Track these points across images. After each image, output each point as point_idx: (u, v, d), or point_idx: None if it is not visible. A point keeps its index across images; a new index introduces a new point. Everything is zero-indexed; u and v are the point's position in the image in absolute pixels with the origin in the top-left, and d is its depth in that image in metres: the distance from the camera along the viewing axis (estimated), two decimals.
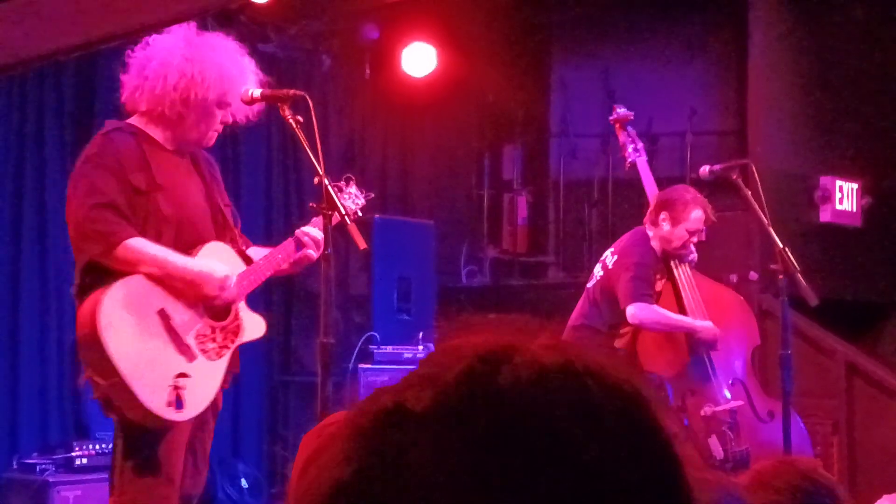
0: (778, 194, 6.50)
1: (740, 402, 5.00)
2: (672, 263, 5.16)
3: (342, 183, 3.87)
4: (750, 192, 4.92)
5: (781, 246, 4.70)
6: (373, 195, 4.13)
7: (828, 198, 7.25)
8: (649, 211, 5.28)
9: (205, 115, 3.65)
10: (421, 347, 6.23)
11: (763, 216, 4.82)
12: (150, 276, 3.46)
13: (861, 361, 6.64)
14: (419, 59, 7.94)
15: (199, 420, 3.60)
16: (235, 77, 3.66)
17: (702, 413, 4.88)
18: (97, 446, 5.10)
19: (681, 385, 5.01)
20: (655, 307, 5.06)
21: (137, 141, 3.58)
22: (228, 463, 7.17)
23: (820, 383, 6.46)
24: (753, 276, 6.76)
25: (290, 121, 3.53)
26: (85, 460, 5.01)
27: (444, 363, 0.77)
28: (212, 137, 3.76)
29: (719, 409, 4.92)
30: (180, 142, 3.69)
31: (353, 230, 3.39)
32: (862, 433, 6.49)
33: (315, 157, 3.45)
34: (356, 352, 6.85)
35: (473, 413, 0.72)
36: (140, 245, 3.44)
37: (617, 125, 5.59)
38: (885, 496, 2.61)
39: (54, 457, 5.02)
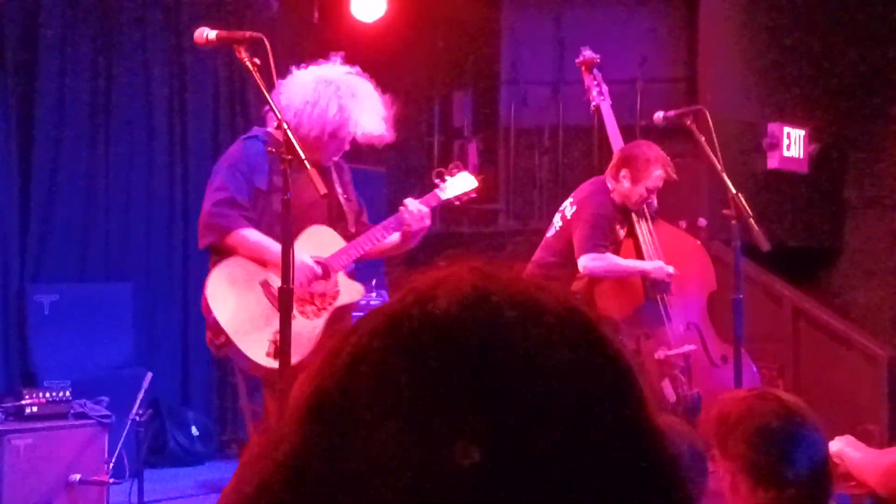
0: (727, 141, 6.53)
1: (693, 347, 5.06)
2: (633, 216, 5.19)
3: (454, 167, 4.60)
4: (704, 139, 4.93)
5: (734, 192, 4.73)
6: (482, 176, 4.83)
7: (776, 145, 7.30)
8: (611, 165, 5.29)
9: (334, 147, 4.31)
10: (374, 294, 6.21)
11: (717, 162, 4.85)
12: (250, 259, 4.16)
13: (807, 306, 6.74)
14: (369, 4, 7.84)
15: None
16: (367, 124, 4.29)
17: (655, 356, 4.94)
18: (47, 394, 5.04)
19: (635, 328, 5.06)
20: (606, 255, 5.10)
21: (268, 147, 4.10)
22: (178, 411, 7.14)
23: (768, 328, 6.56)
24: (702, 222, 6.81)
25: (248, 63, 3.49)
26: (35, 408, 4.94)
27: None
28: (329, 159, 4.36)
29: (672, 352, 4.98)
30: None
31: (314, 174, 3.39)
32: (808, 376, 6.61)
33: (274, 101, 3.41)
34: None
35: (413, 329, 0.74)
36: (244, 236, 4.13)
37: (583, 67, 5.59)
38: (836, 437, 2.64)
39: (3, 405, 4.94)
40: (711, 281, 5.38)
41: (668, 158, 5.22)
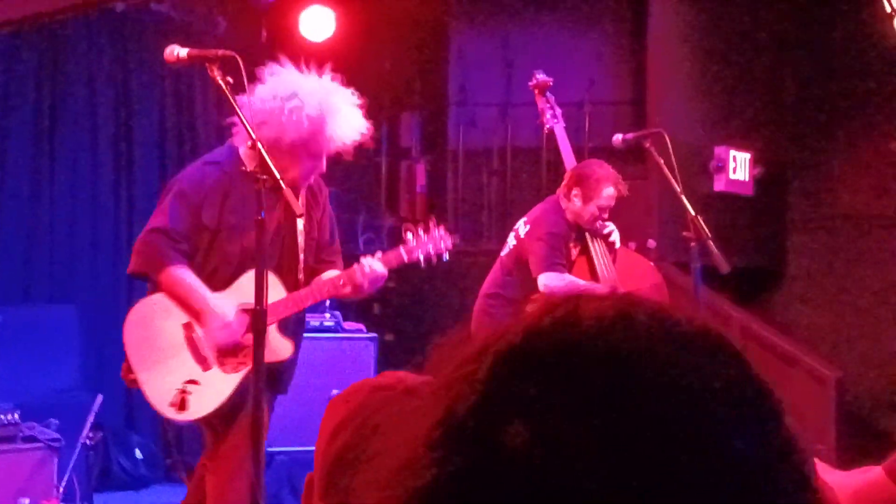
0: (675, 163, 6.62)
1: None
2: (587, 236, 5.21)
3: (430, 224, 4.23)
4: (662, 161, 4.98)
5: (694, 213, 4.78)
6: (458, 237, 4.46)
7: (722, 167, 7.41)
8: (563, 184, 5.32)
9: (310, 165, 3.99)
10: (327, 315, 6.16)
11: (676, 184, 4.90)
12: (174, 301, 3.92)
13: (755, 327, 6.83)
14: (317, 23, 7.81)
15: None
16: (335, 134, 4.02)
17: None
18: None
19: None
20: (566, 275, 5.11)
21: (226, 178, 3.91)
22: (122, 434, 7.01)
23: None
24: (651, 243, 6.87)
25: (220, 82, 3.44)
26: None
27: (514, 323, 0.78)
28: (306, 179, 4.05)
29: None
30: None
31: (289, 195, 3.35)
32: None
33: (245, 121, 3.37)
34: None
35: (557, 340, 0.71)
36: (175, 276, 3.87)
37: (536, 90, 5.61)
38: None
39: None
40: (666, 302, 5.42)
41: (619, 176, 5.27)
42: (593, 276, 5.20)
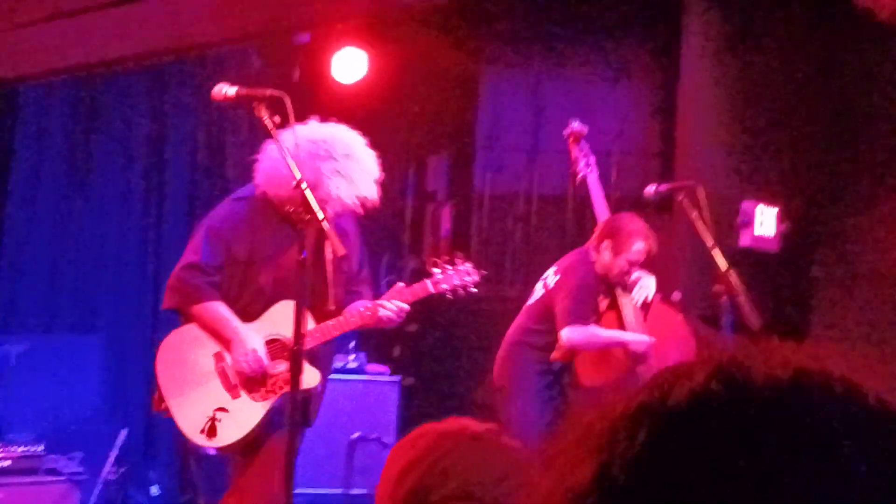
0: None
1: None
2: (616, 289, 5.22)
3: (456, 259, 4.36)
4: (695, 214, 4.98)
5: (727, 267, 4.78)
6: (485, 273, 4.59)
7: (748, 223, 7.39)
8: (594, 235, 5.33)
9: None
10: (352, 357, 6.15)
11: (708, 238, 4.90)
12: (206, 332, 4.06)
13: None
14: (349, 65, 7.87)
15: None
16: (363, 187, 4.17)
17: None
18: (20, 449, 4.91)
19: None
20: (589, 327, 5.11)
21: (254, 213, 4.07)
22: (140, 469, 6.98)
23: None
24: (676, 296, 6.85)
25: (267, 121, 3.46)
26: (8, 462, 4.81)
27: (677, 376, 0.76)
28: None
29: None
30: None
31: (331, 235, 3.37)
32: None
33: (293, 160, 3.39)
34: None
35: (731, 407, 0.70)
36: (208, 309, 4.03)
37: (570, 139, 5.63)
38: None
39: None
40: (693, 356, 5.39)
41: (651, 231, 5.27)
42: (621, 329, 5.19)
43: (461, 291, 4.38)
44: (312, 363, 4.02)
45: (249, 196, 4.15)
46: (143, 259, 7.34)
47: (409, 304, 4.18)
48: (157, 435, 7.34)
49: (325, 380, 4.21)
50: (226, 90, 3.59)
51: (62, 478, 5.00)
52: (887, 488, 0.68)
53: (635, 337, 5.13)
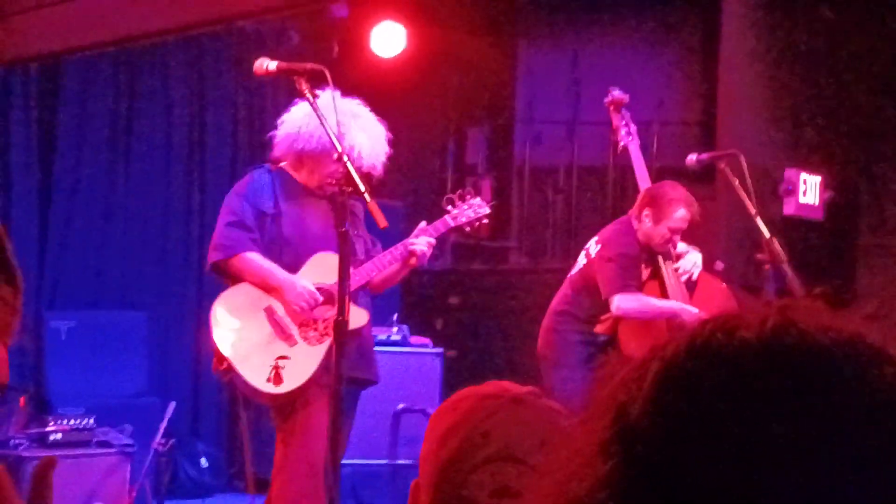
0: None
1: None
2: (659, 258, 5.19)
3: (466, 193, 4.57)
4: (737, 182, 4.95)
5: (769, 236, 4.75)
6: (495, 202, 4.80)
7: (792, 191, 7.34)
8: (636, 204, 5.29)
9: (316, 165, 4.22)
10: (395, 329, 6.19)
11: (751, 206, 4.87)
12: (254, 284, 4.21)
13: None
14: (388, 39, 7.87)
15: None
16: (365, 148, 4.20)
17: None
18: (71, 422, 5.00)
19: None
20: (639, 295, 5.09)
21: (272, 178, 4.29)
22: (188, 442, 7.08)
23: None
24: (719, 265, 6.80)
25: (308, 95, 3.49)
26: (59, 436, 4.90)
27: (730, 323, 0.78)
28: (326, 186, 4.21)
29: None
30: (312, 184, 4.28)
31: (374, 207, 3.39)
32: None
33: (333, 133, 3.41)
34: None
35: (734, 359, 0.72)
36: (250, 260, 4.19)
37: (612, 107, 5.59)
38: None
39: (28, 431, 4.90)
40: None
41: (693, 199, 5.23)
42: (664, 298, 5.17)
43: (476, 223, 4.63)
44: (357, 304, 4.20)
45: (271, 168, 4.38)
46: (186, 235, 7.41)
47: (433, 240, 4.40)
48: (203, 408, 7.44)
49: (370, 334, 4.44)
50: (267, 64, 3.63)
51: (113, 450, 5.09)
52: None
53: (685, 307, 5.10)
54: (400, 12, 7.75)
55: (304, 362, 4.14)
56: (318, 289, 4.22)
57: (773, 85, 7.43)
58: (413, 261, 4.33)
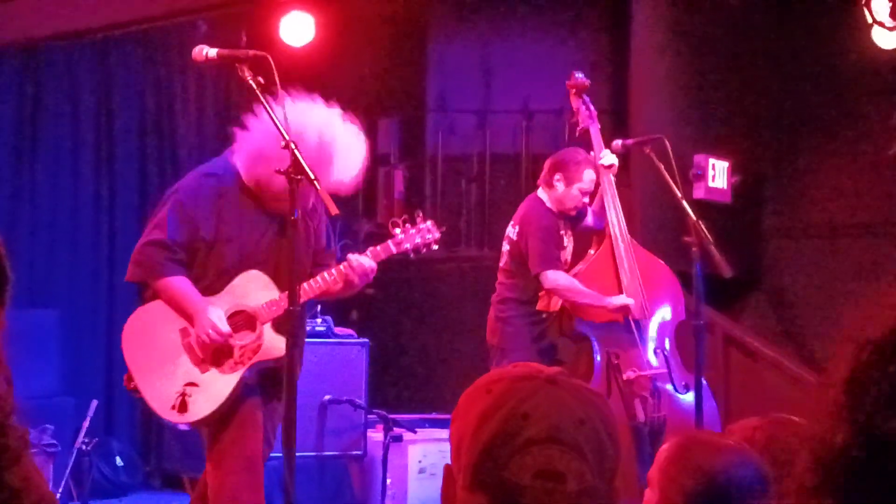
0: (654, 171, 6.68)
1: (663, 370, 5.18)
2: (611, 234, 5.32)
3: (417, 218, 4.29)
4: (662, 166, 5.04)
5: (695, 218, 4.84)
6: (444, 229, 4.52)
7: (701, 175, 7.49)
8: (542, 175, 5.47)
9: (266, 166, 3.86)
10: (319, 320, 6.13)
11: (676, 190, 4.96)
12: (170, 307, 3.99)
13: (737, 334, 6.91)
14: (297, 29, 7.76)
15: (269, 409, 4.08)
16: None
17: (625, 376, 5.03)
18: None
19: (608, 343, 5.15)
20: (572, 279, 5.23)
21: (222, 190, 4.00)
22: (102, 441, 6.91)
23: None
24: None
25: (251, 82, 3.42)
26: None
27: None
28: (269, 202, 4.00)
29: (643, 374, 5.09)
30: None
31: (325, 195, 3.34)
32: (736, 403, 6.76)
33: (278, 121, 3.36)
34: None
35: None
36: (169, 284, 3.96)
37: (573, 91, 5.64)
38: None
39: None
40: (682, 310, 5.49)
41: (594, 162, 5.42)
42: (616, 278, 5.29)
43: (423, 249, 4.36)
44: (279, 332, 3.97)
45: (221, 174, 4.06)
46: (96, 231, 7.25)
47: (373, 265, 4.13)
48: (116, 406, 7.29)
49: (301, 352, 4.15)
50: (206, 51, 3.54)
51: (36, 450, 4.92)
52: None
53: (617, 300, 5.22)
54: (309, 1, 7.66)
55: (214, 392, 3.95)
56: (239, 312, 4.00)
57: (682, 72, 7.57)
58: (355, 280, 4.07)
